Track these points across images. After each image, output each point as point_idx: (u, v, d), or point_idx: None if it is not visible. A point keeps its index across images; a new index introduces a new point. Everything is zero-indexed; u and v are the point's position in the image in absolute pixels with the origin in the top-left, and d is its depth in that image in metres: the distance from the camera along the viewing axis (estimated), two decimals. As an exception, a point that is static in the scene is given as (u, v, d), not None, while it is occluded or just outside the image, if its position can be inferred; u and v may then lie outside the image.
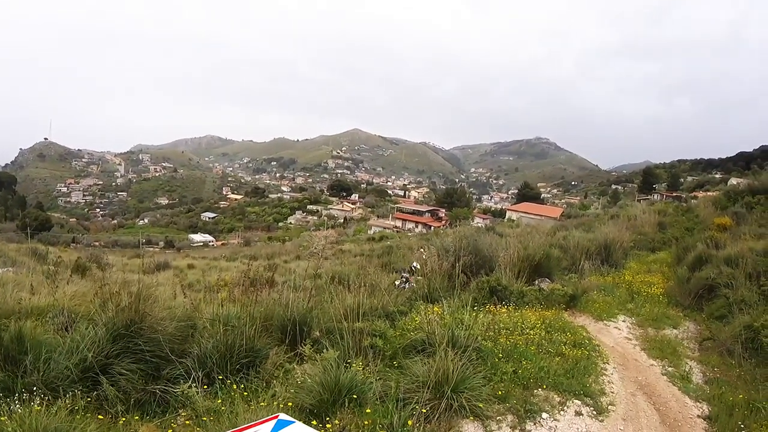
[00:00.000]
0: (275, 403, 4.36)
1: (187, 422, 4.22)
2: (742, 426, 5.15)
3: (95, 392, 4.44)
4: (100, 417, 4.13)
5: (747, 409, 5.51)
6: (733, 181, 51.27)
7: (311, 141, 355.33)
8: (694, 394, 6.29)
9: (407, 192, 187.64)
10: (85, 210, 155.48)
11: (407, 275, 11.14)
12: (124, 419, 4.18)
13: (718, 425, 5.41)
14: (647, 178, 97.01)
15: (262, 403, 4.29)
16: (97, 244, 68.44)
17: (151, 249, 62.66)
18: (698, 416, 5.72)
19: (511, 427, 4.91)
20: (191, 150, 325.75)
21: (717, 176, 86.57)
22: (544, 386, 5.75)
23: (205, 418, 4.13)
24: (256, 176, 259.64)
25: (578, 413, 5.41)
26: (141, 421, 4.29)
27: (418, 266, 10.74)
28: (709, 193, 39.13)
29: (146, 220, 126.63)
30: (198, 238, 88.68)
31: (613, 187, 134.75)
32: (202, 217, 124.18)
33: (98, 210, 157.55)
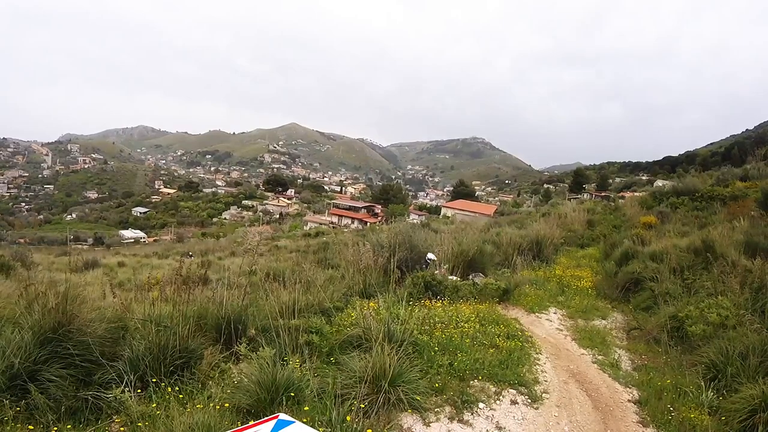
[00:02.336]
0: (211, 404, 4.28)
1: (122, 429, 4.08)
2: (671, 408, 5.49)
3: (24, 401, 4.22)
4: (30, 427, 3.95)
5: (675, 393, 5.86)
6: (659, 182, 54.36)
7: (248, 134, 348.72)
8: (623, 380, 6.65)
9: (344, 188, 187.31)
10: (10, 204, 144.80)
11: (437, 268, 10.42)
12: (55, 429, 4.00)
13: (648, 408, 5.74)
14: (578, 178, 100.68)
15: (198, 405, 4.21)
16: (22, 241, 65.42)
17: (80, 246, 60.00)
18: (629, 401, 6.05)
19: (449, 418, 5.03)
20: (123, 141, 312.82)
21: (644, 178, 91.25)
22: (480, 377, 5.92)
23: (140, 424, 4.01)
24: (190, 170, 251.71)
25: (514, 402, 5.61)
26: (73, 429, 4.11)
27: (435, 258, 10.43)
28: (635, 194, 41.17)
29: (74, 216, 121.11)
30: (129, 234, 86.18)
31: (545, 186, 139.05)
32: (133, 212, 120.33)
33: (23, 204, 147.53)
